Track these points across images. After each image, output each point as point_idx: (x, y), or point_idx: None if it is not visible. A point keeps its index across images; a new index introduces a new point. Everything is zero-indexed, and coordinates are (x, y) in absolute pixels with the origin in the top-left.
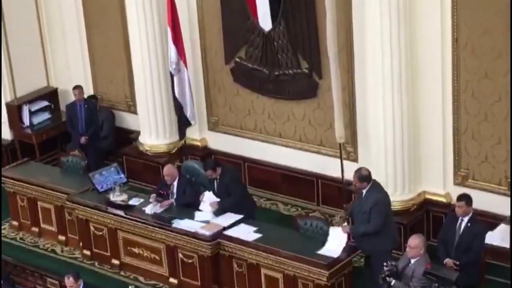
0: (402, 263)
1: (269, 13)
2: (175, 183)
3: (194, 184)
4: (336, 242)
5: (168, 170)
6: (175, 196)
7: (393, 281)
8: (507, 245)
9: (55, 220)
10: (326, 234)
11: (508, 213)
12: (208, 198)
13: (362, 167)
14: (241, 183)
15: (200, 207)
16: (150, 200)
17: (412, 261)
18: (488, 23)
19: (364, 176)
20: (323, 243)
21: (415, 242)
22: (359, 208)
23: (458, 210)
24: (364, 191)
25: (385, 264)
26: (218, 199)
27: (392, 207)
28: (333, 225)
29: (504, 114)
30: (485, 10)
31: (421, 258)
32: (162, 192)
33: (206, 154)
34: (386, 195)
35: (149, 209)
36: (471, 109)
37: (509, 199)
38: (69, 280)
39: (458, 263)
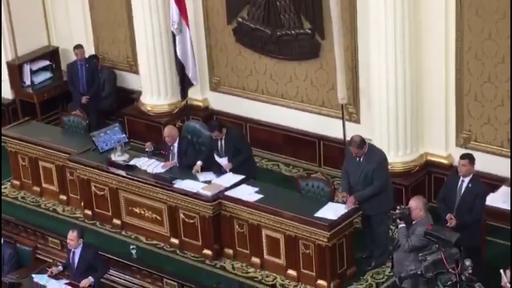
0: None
1: None
2: (176, 144)
3: (195, 144)
4: (331, 211)
5: (168, 131)
6: (175, 157)
7: (401, 225)
8: (509, 207)
9: (57, 179)
10: (327, 196)
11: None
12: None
13: (352, 136)
14: (247, 140)
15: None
16: (146, 149)
17: (414, 222)
18: None
19: (360, 142)
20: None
21: (414, 203)
22: (359, 172)
23: (462, 169)
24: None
25: (398, 207)
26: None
27: (393, 169)
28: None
29: (507, 76)
30: None
31: (423, 219)
32: (163, 152)
33: (208, 115)
34: (384, 154)
35: (151, 169)
36: (474, 71)
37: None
38: (73, 233)
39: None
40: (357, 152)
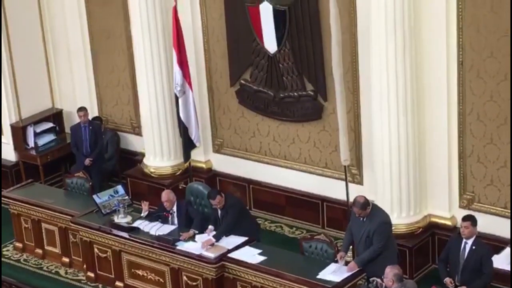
0: None
1: (274, 35)
2: (175, 208)
3: (199, 206)
4: (334, 273)
5: (166, 195)
6: (175, 220)
7: None
8: None
9: (59, 242)
10: (330, 258)
11: None
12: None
13: (356, 196)
14: (238, 213)
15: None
16: (143, 214)
17: None
18: (493, 46)
19: (364, 203)
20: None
21: (387, 269)
22: (361, 233)
23: (464, 231)
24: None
25: (371, 279)
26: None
27: (396, 230)
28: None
29: (510, 137)
30: (491, 33)
31: None
32: (165, 215)
33: (211, 176)
34: (387, 216)
35: (153, 231)
36: (476, 132)
37: None
38: None
39: (457, 283)
40: (360, 213)
